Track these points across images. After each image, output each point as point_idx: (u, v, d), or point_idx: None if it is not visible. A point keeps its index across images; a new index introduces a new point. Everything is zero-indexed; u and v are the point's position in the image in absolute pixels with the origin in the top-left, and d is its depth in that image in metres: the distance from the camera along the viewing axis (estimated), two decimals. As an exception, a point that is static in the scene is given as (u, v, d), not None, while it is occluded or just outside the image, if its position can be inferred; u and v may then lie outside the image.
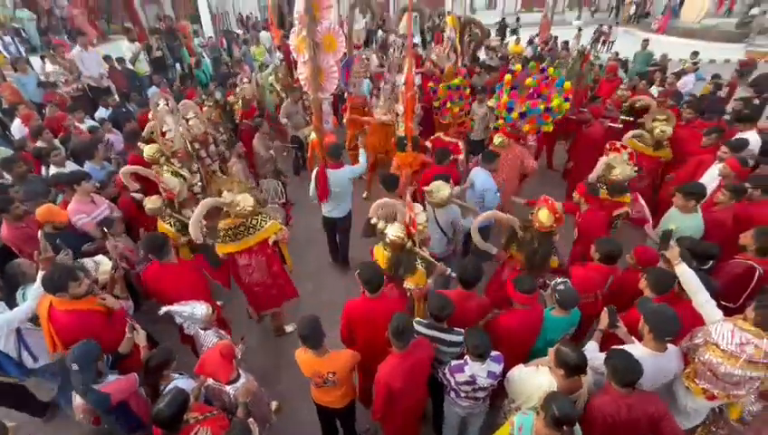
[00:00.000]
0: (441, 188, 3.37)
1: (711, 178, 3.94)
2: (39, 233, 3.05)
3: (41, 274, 2.57)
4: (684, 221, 3.32)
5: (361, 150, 4.49)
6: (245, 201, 3.17)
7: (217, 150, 5.23)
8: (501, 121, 4.74)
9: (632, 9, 21.27)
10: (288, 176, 5.84)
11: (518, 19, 16.92)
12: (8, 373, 2.73)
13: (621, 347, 2.23)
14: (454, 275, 2.86)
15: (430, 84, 5.83)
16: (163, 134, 4.16)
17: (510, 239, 3.24)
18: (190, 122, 4.76)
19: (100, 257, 2.99)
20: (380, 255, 3.01)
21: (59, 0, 12.56)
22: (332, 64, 4.18)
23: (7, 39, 9.40)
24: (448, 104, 5.57)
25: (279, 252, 3.60)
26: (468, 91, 5.61)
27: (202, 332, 2.68)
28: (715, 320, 2.28)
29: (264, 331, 4.11)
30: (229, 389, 2.40)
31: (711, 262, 2.97)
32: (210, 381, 2.42)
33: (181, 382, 2.27)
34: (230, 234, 3.22)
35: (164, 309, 2.63)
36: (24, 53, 8.99)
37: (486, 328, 2.60)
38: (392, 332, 2.14)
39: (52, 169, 4.21)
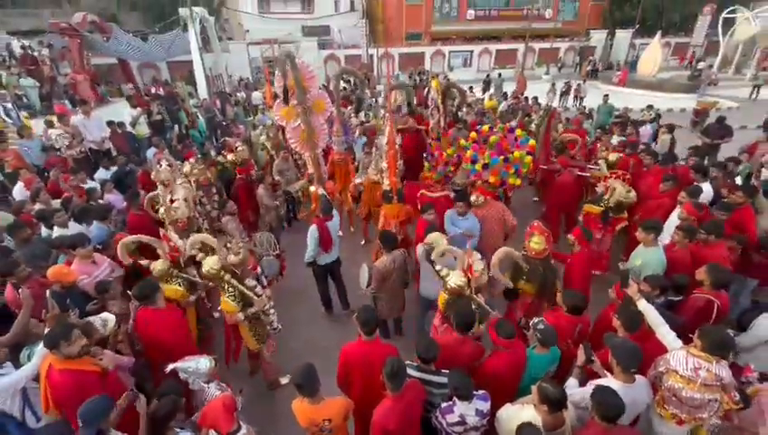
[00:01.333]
0: (439, 241, 3.64)
1: (673, 222, 4.33)
2: (47, 292, 3.18)
3: (47, 331, 2.69)
4: (647, 255, 3.69)
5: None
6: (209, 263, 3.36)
7: (204, 210, 5.44)
8: (479, 181, 5.17)
9: (589, 66, 24.38)
10: (282, 228, 6.14)
11: (500, 75, 18.58)
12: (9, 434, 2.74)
13: (600, 381, 2.44)
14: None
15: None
16: (171, 201, 4.42)
17: (516, 274, 3.46)
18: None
19: (106, 315, 3.12)
20: (441, 298, 3.32)
21: (61, 68, 13.38)
22: (322, 123, 5.08)
23: (8, 105, 9.90)
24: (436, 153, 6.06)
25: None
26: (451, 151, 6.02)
27: (206, 386, 2.77)
28: (675, 348, 2.54)
29: (261, 382, 4.14)
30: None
31: (682, 294, 3.29)
32: (212, 433, 2.49)
33: (184, 435, 2.35)
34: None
35: (170, 366, 2.73)
36: (22, 119, 9.45)
37: (474, 371, 2.76)
38: (387, 374, 2.29)
39: (56, 231, 4.39)
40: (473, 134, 5.20)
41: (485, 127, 5.31)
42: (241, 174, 6.29)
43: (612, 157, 5.95)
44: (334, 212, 4.60)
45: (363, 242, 6.42)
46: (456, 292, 3.09)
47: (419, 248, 3.93)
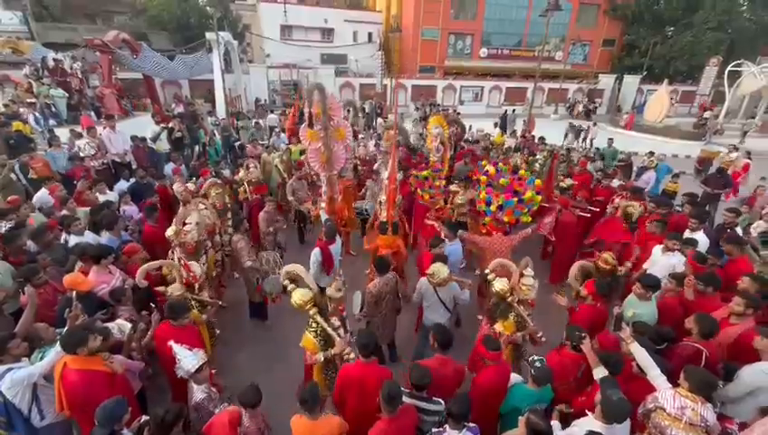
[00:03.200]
0: (441, 270, 3.85)
1: (664, 267, 4.45)
2: (73, 293, 3.40)
3: (66, 332, 2.87)
4: (640, 307, 3.77)
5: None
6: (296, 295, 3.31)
7: (221, 240, 5.61)
8: (487, 219, 5.38)
9: (581, 108, 26.39)
10: (286, 249, 6.30)
11: (514, 111, 19.52)
12: (15, 429, 2.85)
13: (582, 422, 2.54)
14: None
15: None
16: (184, 224, 4.58)
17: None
18: (202, 213, 5.15)
19: (120, 321, 3.30)
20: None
21: (90, 82, 14.08)
22: (342, 149, 5.75)
23: (38, 114, 10.44)
24: (419, 191, 6.35)
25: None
26: (438, 182, 6.32)
27: (193, 385, 2.90)
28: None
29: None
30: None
31: (666, 343, 3.37)
32: None
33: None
34: None
35: (170, 343, 2.92)
36: (50, 127, 9.95)
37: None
38: (384, 397, 2.41)
39: (72, 238, 4.62)
40: (483, 178, 5.43)
41: (492, 170, 5.55)
42: (257, 194, 6.56)
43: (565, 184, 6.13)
44: (337, 238, 4.82)
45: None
46: (499, 295, 3.54)
47: (422, 281, 4.10)
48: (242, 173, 6.98)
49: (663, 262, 4.51)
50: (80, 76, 12.80)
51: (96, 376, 2.81)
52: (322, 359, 3.24)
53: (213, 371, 3.80)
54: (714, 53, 25.87)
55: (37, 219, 4.94)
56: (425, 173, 6.27)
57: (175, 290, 3.79)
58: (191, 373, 2.92)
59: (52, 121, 10.94)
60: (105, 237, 4.77)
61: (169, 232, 4.43)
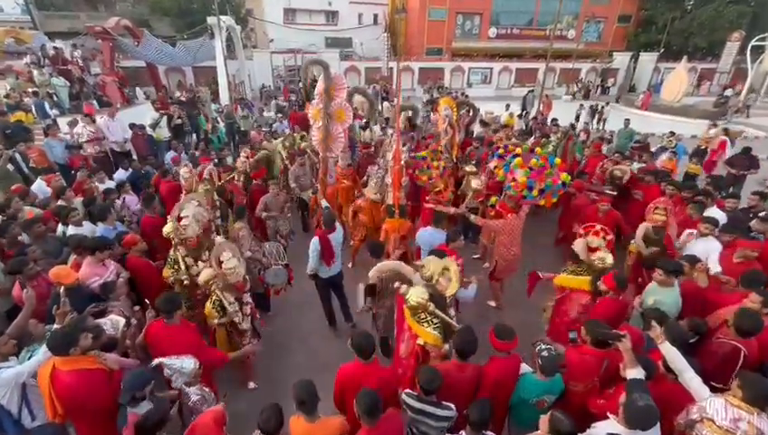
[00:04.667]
0: (433, 265, 3.40)
1: (702, 253, 4.05)
2: (61, 289, 3.23)
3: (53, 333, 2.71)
4: (662, 295, 3.47)
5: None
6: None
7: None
8: (494, 199, 5.14)
9: (575, 87, 25.70)
10: (291, 238, 6.11)
11: (532, 91, 19.17)
12: (5, 431, 2.74)
13: (602, 424, 2.31)
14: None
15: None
16: (180, 219, 4.14)
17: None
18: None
19: (114, 317, 3.14)
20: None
21: (91, 69, 13.90)
22: (341, 131, 5.46)
23: (42, 102, 10.31)
24: (416, 172, 6.06)
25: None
26: (437, 163, 6.00)
27: (186, 387, 2.74)
28: (703, 396, 2.37)
29: (252, 397, 4.05)
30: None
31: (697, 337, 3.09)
32: None
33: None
34: None
35: (156, 361, 2.73)
36: (53, 116, 9.81)
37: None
38: (362, 409, 2.18)
39: (70, 228, 4.48)
40: (518, 160, 4.99)
41: (519, 150, 5.26)
42: (255, 179, 6.34)
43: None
44: (338, 225, 4.58)
45: (350, 264, 6.02)
46: (416, 309, 3.01)
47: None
48: (239, 162, 6.74)
49: (699, 248, 4.14)
50: (80, 64, 12.60)
51: (92, 375, 2.63)
52: (220, 322, 3.53)
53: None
54: (736, 27, 24.62)
55: (36, 213, 4.80)
56: (422, 153, 6.05)
57: (206, 273, 3.65)
58: (196, 373, 2.81)
59: (54, 111, 10.83)
60: (101, 228, 4.63)
61: (167, 229, 4.16)
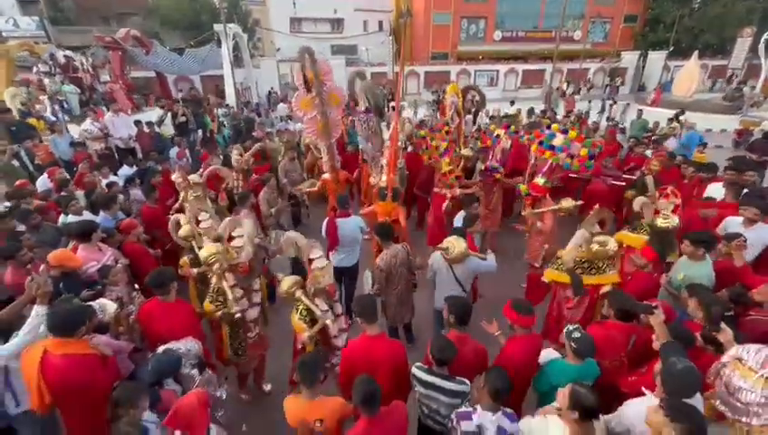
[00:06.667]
0: (457, 244, 3.33)
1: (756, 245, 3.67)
2: (41, 267, 3.09)
3: (38, 308, 2.56)
4: (693, 269, 3.19)
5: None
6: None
7: None
8: (523, 187, 5.02)
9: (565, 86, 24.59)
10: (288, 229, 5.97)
11: (558, 88, 19.38)
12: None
13: (636, 401, 2.07)
14: None
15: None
16: (230, 239, 3.60)
17: None
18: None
19: (103, 301, 2.99)
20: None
21: (101, 77, 14.15)
22: (337, 115, 5.39)
23: (56, 107, 10.44)
24: (419, 152, 6.03)
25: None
26: (435, 143, 5.79)
27: (195, 372, 2.59)
28: None
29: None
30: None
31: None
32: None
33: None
34: None
35: (162, 348, 2.58)
36: (64, 121, 9.91)
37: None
38: (359, 398, 1.98)
39: (70, 217, 4.40)
40: (572, 133, 4.90)
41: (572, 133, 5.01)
42: (257, 174, 6.23)
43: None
44: (356, 218, 4.40)
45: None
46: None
47: (435, 257, 3.65)
48: (233, 160, 6.33)
49: (751, 238, 3.54)
50: (90, 72, 12.82)
51: (87, 360, 2.46)
52: (307, 336, 2.88)
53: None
54: (746, 23, 24.18)
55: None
56: (422, 133, 6.03)
57: (210, 248, 3.15)
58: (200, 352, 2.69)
59: (66, 117, 10.95)
60: (101, 217, 4.53)
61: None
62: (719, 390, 2.11)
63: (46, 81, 11.69)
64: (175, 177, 4.93)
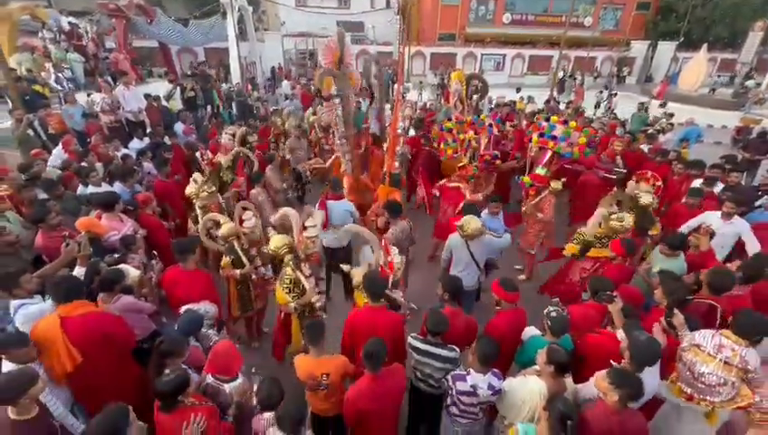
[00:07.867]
0: (472, 221, 3.60)
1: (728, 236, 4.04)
2: (83, 234, 3.35)
3: (78, 269, 2.85)
4: (667, 263, 3.51)
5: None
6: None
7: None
8: (526, 178, 5.31)
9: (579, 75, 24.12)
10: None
11: (572, 76, 19.61)
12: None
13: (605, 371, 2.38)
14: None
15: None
16: (241, 221, 3.98)
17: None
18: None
19: (125, 266, 3.27)
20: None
21: (106, 45, 14.02)
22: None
23: (60, 75, 10.47)
24: (442, 145, 5.98)
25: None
26: (463, 136, 5.83)
27: (212, 333, 2.90)
28: None
29: (259, 356, 4.12)
30: (227, 387, 2.43)
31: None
32: (210, 379, 2.50)
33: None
34: None
35: (184, 308, 2.87)
36: (70, 90, 9.96)
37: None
38: (365, 354, 2.27)
39: (90, 188, 4.63)
40: (553, 118, 5.31)
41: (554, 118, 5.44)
42: (259, 150, 6.42)
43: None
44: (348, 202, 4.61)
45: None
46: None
47: (453, 237, 3.87)
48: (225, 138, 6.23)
49: (728, 230, 3.97)
50: (96, 40, 12.72)
51: (104, 316, 2.74)
52: (293, 306, 3.15)
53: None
54: (759, 16, 23.78)
55: (53, 174, 4.94)
56: (449, 124, 5.92)
57: (226, 229, 3.56)
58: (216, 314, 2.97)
59: (70, 86, 10.98)
60: (117, 187, 4.74)
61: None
62: (684, 374, 2.43)
63: (51, 48, 11.61)
64: (222, 158, 5.26)
